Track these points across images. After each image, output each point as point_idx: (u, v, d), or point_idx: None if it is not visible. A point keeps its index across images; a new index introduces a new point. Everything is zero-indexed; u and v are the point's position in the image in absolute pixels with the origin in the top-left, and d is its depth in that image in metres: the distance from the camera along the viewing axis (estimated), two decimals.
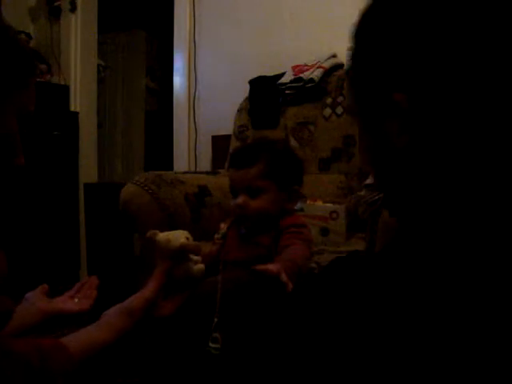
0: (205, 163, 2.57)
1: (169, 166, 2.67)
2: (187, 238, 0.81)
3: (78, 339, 0.67)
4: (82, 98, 2.94)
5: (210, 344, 1.00)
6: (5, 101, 0.56)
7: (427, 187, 0.43)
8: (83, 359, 0.65)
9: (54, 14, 2.92)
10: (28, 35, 2.79)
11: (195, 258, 0.81)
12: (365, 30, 0.46)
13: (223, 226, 1.13)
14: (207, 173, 1.94)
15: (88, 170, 2.99)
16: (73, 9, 2.89)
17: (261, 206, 1.03)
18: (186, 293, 0.81)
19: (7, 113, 0.57)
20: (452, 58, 0.39)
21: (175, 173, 1.76)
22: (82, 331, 0.70)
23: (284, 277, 0.85)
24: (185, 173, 1.85)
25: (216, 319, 1.03)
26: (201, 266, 0.83)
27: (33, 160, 2.51)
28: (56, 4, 2.89)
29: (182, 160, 2.62)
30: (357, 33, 0.47)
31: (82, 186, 2.86)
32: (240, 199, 1.03)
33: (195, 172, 2.27)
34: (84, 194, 2.85)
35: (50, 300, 0.87)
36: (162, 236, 0.79)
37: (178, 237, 0.79)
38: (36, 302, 0.85)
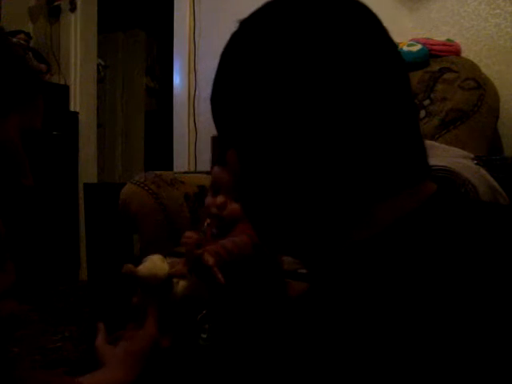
0: (205, 163, 2.57)
1: (169, 166, 2.67)
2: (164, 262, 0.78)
3: (97, 381, 0.66)
4: (81, 98, 2.94)
5: (202, 335, 1.02)
6: (10, 119, 0.56)
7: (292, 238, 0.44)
8: None
9: (54, 14, 2.92)
10: (28, 35, 2.79)
11: (175, 280, 0.78)
12: (215, 83, 0.47)
13: (206, 223, 1.11)
14: (207, 173, 1.94)
15: (88, 170, 2.99)
16: (73, 8, 2.89)
17: (239, 210, 0.97)
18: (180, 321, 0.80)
19: (13, 131, 0.56)
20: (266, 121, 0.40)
21: (175, 173, 1.76)
22: (96, 375, 0.68)
23: (216, 271, 0.82)
24: (185, 173, 1.85)
25: (204, 311, 1.04)
26: (182, 283, 0.79)
27: (33, 160, 2.50)
28: (56, 4, 2.89)
29: (182, 160, 2.62)
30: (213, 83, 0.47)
31: (81, 186, 2.86)
32: (221, 198, 0.98)
33: (195, 172, 2.27)
34: (84, 194, 2.84)
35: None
36: (144, 269, 0.74)
37: (160, 267, 0.75)
38: None
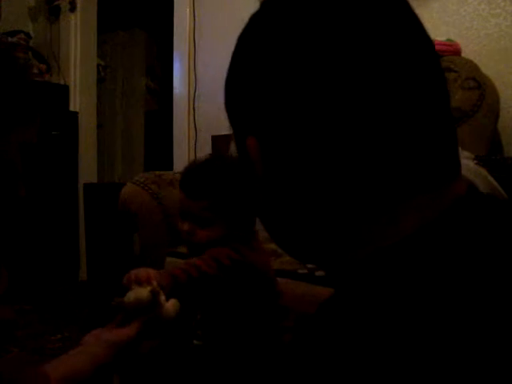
0: None
1: (169, 166, 2.67)
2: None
3: (60, 367, 0.66)
4: (81, 98, 2.94)
5: (194, 341, 1.02)
6: (12, 135, 0.57)
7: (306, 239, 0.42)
8: None
9: (54, 14, 2.92)
10: (27, 35, 2.79)
11: (163, 297, 0.78)
12: (231, 68, 0.45)
13: None
14: None
15: (88, 169, 2.99)
16: (72, 8, 2.89)
17: (208, 236, 0.96)
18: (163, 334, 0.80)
19: (11, 146, 0.58)
20: (291, 106, 0.37)
21: (175, 173, 1.75)
22: (64, 359, 0.68)
23: (161, 297, 0.80)
24: None
25: (198, 316, 1.04)
26: (172, 301, 0.80)
27: (33, 160, 2.50)
28: (55, 4, 2.89)
29: (182, 160, 2.62)
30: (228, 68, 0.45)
31: (81, 186, 2.86)
32: (186, 226, 0.97)
33: None
34: (84, 194, 2.85)
35: None
36: (128, 298, 0.76)
37: (142, 290, 0.76)
38: None
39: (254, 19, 0.42)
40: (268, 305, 1.02)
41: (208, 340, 1.02)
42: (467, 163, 1.16)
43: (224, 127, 2.39)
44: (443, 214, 0.35)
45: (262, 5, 0.41)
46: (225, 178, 0.97)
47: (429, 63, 0.38)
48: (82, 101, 2.94)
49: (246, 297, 0.98)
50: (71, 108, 2.91)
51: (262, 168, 0.41)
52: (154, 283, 0.77)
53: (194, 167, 1.03)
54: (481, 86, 1.60)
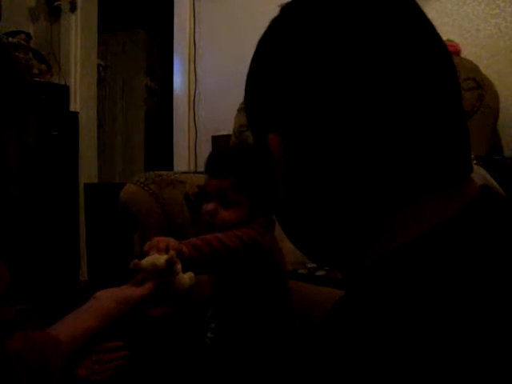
0: None
1: (169, 166, 2.67)
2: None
3: (68, 327, 0.65)
4: (81, 98, 2.94)
5: (208, 335, 1.03)
6: (8, 135, 0.57)
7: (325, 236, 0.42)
8: (74, 349, 0.64)
9: (54, 14, 2.92)
10: (28, 35, 2.79)
11: (179, 267, 0.80)
12: (253, 65, 0.45)
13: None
14: None
15: (88, 169, 2.99)
16: (73, 9, 2.89)
17: (230, 218, 0.97)
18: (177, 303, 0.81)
19: (8, 145, 0.58)
20: (316, 103, 0.38)
21: (175, 173, 1.75)
22: (72, 317, 0.68)
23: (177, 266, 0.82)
24: (185, 173, 1.85)
25: (211, 310, 1.05)
26: (189, 273, 0.82)
27: (33, 160, 2.50)
28: (56, 4, 2.89)
29: (182, 160, 2.62)
30: (250, 66, 0.46)
31: (82, 186, 2.87)
32: (211, 205, 0.98)
33: (195, 172, 2.27)
34: (84, 194, 2.85)
35: None
36: (146, 261, 0.78)
37: (159, 257, 0.78)
38: None
39: (275, 22, 0.43)
40: (280, 298, 1.02)
41: (220, 331, 1.03)
42: None
43: (224, 127, 2.40)
44: (454, 215, 0.35)
45: (282, 10, 0.43)
46: (249, 158, 0.99)
47: (441, 64, 0.39)
48: (81, 101, 2.94)
49: (261, 284, 0.98)
50: (71, 108, 2.91)
51: (283, 164, 0.41)
52: (172, 252, 0.79)
53: (219, 150, 1.05)
54: (480, 86, 1.60)
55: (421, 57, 0.37)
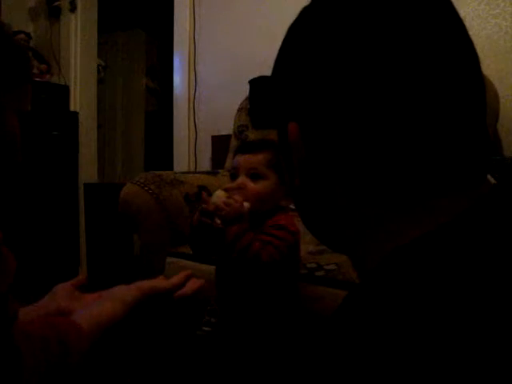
0: (205, 163, 2.57)
1: (169, 165, 2.67)
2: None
3: (90, 315, 0.67)
4: (81, 98, 2.94)
5: (204, 328, 1.05)
6: (4, 99, 0.56)
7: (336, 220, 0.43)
8: (96, 336, 0.65)
9: (54, 14, 2.92)
10: (28, 35, 2.79)
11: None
12: (278, 57, 0.46)
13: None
14: (207, 173, 1.94)
15: (88, 169, 2.99)
16: (73, 9, 2.89)
17: (259, 190, 1.03)
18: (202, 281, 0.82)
19: (8, 111, 0.57)
20: (336, 94, 0.38)
21: (175, 173, 1.75)
22: (95, 306, 0.70)
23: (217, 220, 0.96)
24: (185, 173, 1.85)
25: (213, 304, 1.08)
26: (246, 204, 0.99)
27: (33, 160, 2.50)
28: (56, 4, 2.89)
29: (182, 160, 2.62)
30: (277, 57, 0.46)
31: (82, 186, 2.87)
32: (240, 179, 1.04)
33: (195, 172, 2.27)
34: (84, 194, 2.85)
35: (77, 296, 0.83)
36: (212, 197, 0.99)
37: (219, 194, 0.99)
38: (59, 300, 0.82)
39: (304, 13, 0.44)
40: (291, 284, 1.07)
41: (224, 318, 1.06)
42: None
43: (224, 127, 2.40)
44: (461, 214, 0.36)
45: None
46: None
47: (465, 64, 0.39)
48: (81, 101, 2.94)
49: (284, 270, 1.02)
50: (71, 108, 2.91)
51: (299, 155, 0.42)
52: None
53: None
54: None
55: (446, 54, 0.37)
